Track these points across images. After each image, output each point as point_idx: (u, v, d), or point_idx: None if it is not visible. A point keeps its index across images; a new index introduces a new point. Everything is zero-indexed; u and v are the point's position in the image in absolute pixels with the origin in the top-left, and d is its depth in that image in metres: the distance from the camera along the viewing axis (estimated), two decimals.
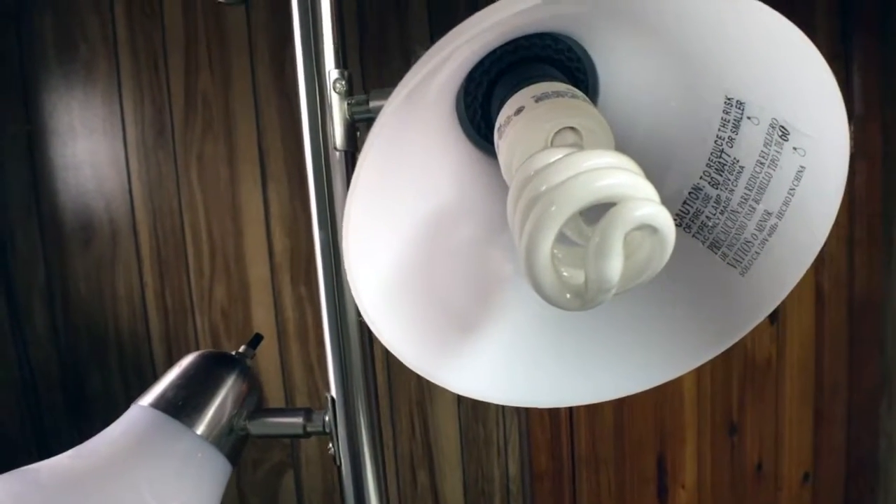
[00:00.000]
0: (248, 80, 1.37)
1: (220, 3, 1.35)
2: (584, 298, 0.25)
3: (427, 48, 0.24)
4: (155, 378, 1.41)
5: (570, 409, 1.46)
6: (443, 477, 1.49)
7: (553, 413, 1.46)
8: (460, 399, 1.45)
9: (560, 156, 0.26)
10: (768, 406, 1.48)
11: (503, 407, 1.45)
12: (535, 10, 0.23)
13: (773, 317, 1.43)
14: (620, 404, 1.47)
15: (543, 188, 0.25)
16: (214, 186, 1.40)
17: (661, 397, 1.48)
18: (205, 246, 1.42)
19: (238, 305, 1.43)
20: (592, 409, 1.48)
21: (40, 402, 1.47)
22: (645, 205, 0.24)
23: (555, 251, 0.25)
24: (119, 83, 1.38)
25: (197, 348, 1.43)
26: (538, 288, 0.25)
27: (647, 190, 0.25)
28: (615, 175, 0.24)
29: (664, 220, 0.24)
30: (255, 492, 1.49)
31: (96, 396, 1.46)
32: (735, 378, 1.45)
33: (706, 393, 1.47)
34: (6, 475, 0.37)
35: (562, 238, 0.26)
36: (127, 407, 1.37)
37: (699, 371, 1.45)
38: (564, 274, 0.25)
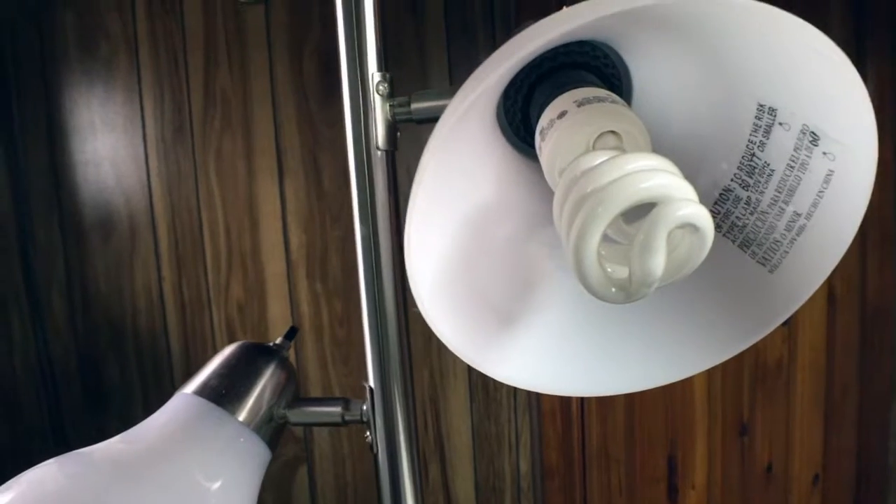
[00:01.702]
0: (267, 78, 1.38)
1: (240, 1, 1.36)
2: (627, 292, 0.27)
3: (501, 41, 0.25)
4: (171, 373, 1.43)
5: (582, 407, 1.47)
6: (454, 472, 1.50)
7: (564, 411, 1.47)
8: (472, 396, 1.46)
9: (604, 158, 0.28)
10: (779, 408, 1.48)
11: (515, 404, 1.46)
12: (584, 23, 0.25)
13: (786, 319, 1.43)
14: (631, 404, 1.48)
15: (590, 189, 0.26)
16: (232, 182, 1.42)
17: (672, 397, 1.48)
18: (222, 241, 1.43)
19: (254, 300, 1.45)
20: (604, 408, 1.49)
21: (59, 393, 1.50)
22: (687, 205, 0.25)
23: (599, 248, 0.27)
24: (139, 80, 1.40)
25: (213, 343, 1.45)
26: (586, 282, 0.27)
27: (688, 191, 0.26)
28: (658, 177, 0.26)
29: (705, 220, 0.26)
30: (269, 486, 1.50)
31: (114, 389, 1.48)
32: (746, 379, 1.46)
33: (717, 393, 1.47)
34: (60, 457, 0.39)
35: (604, 236, 0.27)
36: (143, 403, 1.39)
37: (710, 371, 1.46)
38: (609, 269, 0.27)
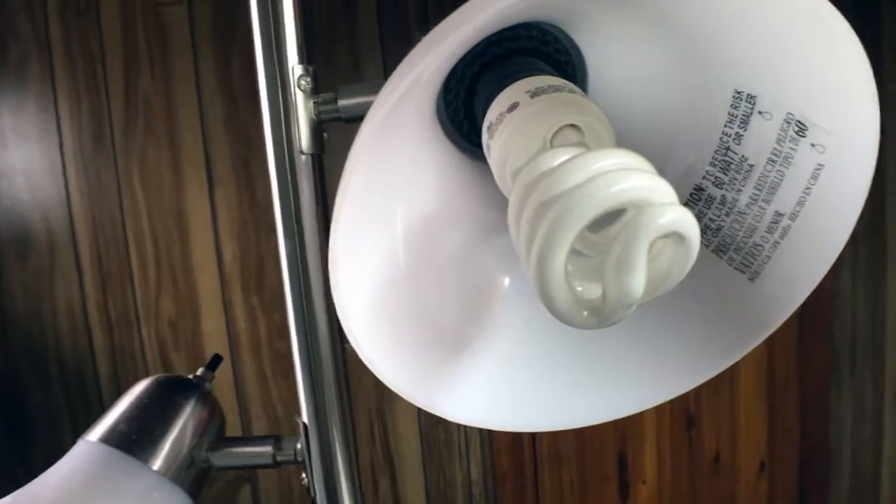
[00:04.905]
0: (192, 81, 1.33)
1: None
2: (601, 315, 0.22)
3: (425, 32, 0.21)
4: (100, 395, 1.35)
5: None
6: (405, 484, 1.48)
7: None
8: None
9: (566, 157, 0.23)
10: (724, 398, 1.52)
11: None
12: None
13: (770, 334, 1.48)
14: None
15: (552, 195, 0.22)
16: (158, 193, 1.36)
17: None
18: (150, 255, 1.37)
19: (187, 316, 1.39)
20: None
21: None
22: (669, 210, 0.21)
23: (566, 264, 0.22)
24: (54, 87, 1.33)
25: (144, 362, 1.39)
26: (552, 306, 0.22)
27: (668, 192, 0.22)
28: (633, 177, 0.22)
29: (690, 226, 0.22)
30: None
31: (38, 416, 1.41)
32: None
33: None
34: None
35: (571, 250, 0.23)
36: (71, 428, 1.29)
37: None
38: (578, 289, 0.23)
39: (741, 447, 1.55)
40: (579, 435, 1.51)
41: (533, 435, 1.48)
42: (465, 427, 1.45)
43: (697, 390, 1.47)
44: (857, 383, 1.51)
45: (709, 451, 1.55)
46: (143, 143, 1.34)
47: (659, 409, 1.50)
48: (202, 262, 1.38)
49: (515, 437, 1.47)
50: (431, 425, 1.45)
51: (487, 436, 1.45)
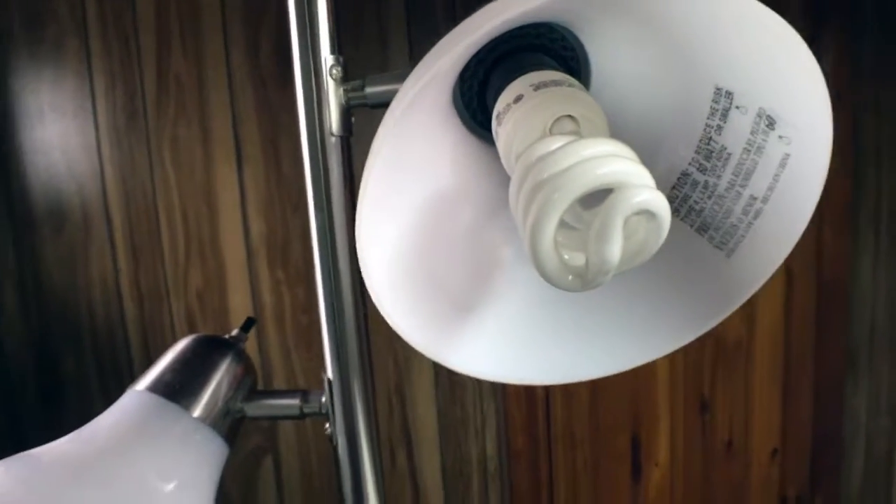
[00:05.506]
0: (223, 62, 1.35)
1: None
2: (584, 279, 0.26)
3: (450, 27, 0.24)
4: (130, 364, 1.40)
5: (547, 389, 1.48)
6: (421, 458, 1.50)
7: (529, 394, 1.48)
8: (437, 382, 1.46)
9: (561, 144, 0.27)
10: (738, 385, 1.51)
11: (480, 388, 1.46)
12: (541, 4, 0.24)
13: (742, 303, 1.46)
14: (595, 384, 1.49)
15: (546, 175, 0.26)
16: (189, 170, 1.39)
17: (635, 377, 1.50)
18: (179, 230, 1.40)
19: (214, 290, 1.42)
20: (568, 390, 1.50)
21: (14, 388, 1.46)
22: (643, 191, 0.25)
23: (556, 235, 0.26)
24: (89, 64, 1.36)
25: (172, 333, 1.43)
26: (542, 270, 0.26)
27: (646, 177, 0.26)
28: (615, 163, 0.26)
29: (661, 206, 0.26)
30: (234, 477, 1.49)
31: (71, 383, 1.45)
32: (707, 357, 1.48)
33: (679, 372, 1.49)
34: (8, 460, 0.38)
35: (561, 222, 0.27)
36: (102, 395, 1.36)
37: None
38: (565, 257, 0.27)
39: (754, 433, 1.54)
40: (593, 415, 1.51)
41: (547, 414, 1.50)
42: (482, 406, 1.48)
43: (712, 375, 1.48)
44: (873, 374, 1.50)
45: (721, 436, 1.54)
46: (174, 122, 1.37)
47: (673, 393, 1.51)
48: (230, 238, 1.41)
49: (530, 416, 1.48)
50: (448, 404, 1.47)
51: (503, 414, 1.47)
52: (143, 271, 1.42)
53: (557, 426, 1.51)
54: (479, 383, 1.46)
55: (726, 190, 0.33)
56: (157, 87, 1.37)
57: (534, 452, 1.51)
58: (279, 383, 1.46)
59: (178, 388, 0.43)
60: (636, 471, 1.55)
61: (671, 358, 1.46)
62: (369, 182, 0.26)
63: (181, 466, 0.40)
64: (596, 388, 1.49)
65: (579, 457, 1.53)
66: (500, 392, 1.47)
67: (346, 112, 0.40)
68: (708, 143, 0.33)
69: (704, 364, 1.48)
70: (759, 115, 0.30)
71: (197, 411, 0.43)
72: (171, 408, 0.42)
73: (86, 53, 1.36)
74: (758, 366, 1.50)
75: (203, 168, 1.39)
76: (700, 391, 1.51)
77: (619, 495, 1.55)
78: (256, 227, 1.40)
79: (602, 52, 0.36)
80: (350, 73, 0.41)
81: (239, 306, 1.43)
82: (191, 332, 1.42)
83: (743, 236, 0.33)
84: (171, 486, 0.38)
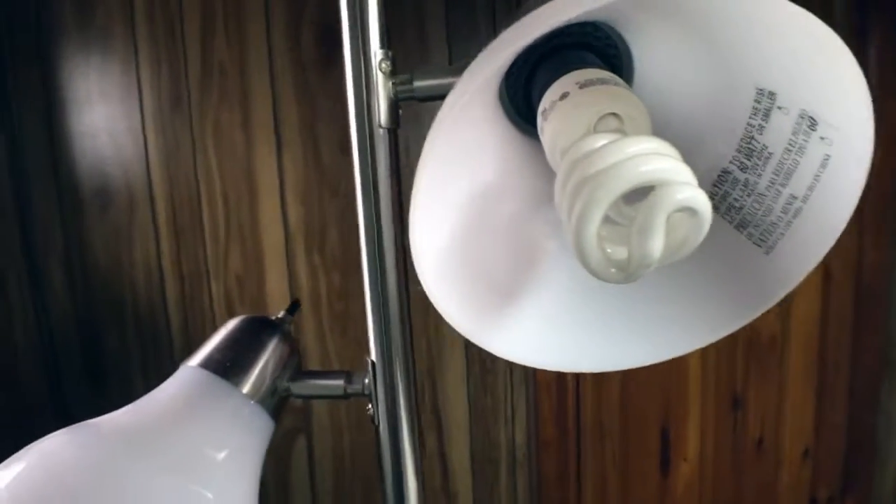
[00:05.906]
0: (264, 48, 1.37)
1: None
2: (626, 272, 0.28)
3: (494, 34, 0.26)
4: (171, 344, 1.43)
5: (577, 380, 1.48)
6: (451, 443, 1.52)
7: (560, 384, 1.48)
8: (469, 370, 1.48)
9: (606, 141, 0.28)
10: (771, 382, 1.49)
11: (511, 377, 1.47)
12: (597, 6, 0.25)
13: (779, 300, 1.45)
14: (626, 377, 1.49)
15: (591, 172, 0.27)
16: (230, 154, 1.41)
17: (666, 371, 1.50)
18: (220, 213, 1.43)
19: (252, 272, 1.45)
20: (598, 382, 1.50)
21: (59, 364, 1.51)
22: (685, 189, 0.26)
23: (600, 230, 0.27)
24: (136, 50, 1.39)
25: (212, 315, 1.46)
26: (586, 263, 0.27)
27: (687, 175, 0.27)
28: (658, 160, 0.27)
29: (703, 203, 0.27)
30: (269, 455, 1.51)
31: (113, 361, 1.50)
32: (740, 354, 1.47)
33: (711, 368, 1.49)
34: (70, 428, 0.40)
35: (604, 217, 0.28)
36: (142, 374, 1.39)
37: (704, 346, 1.46)
38: (608, 250, 0.28)
39: (786, 432, 1.52)
40: (623, 409, 1.51)
41: (577, 405, 1.50)
42: (512, 394, 1.48)
43: (745, 372, 1.47)
44: None
45: (753, 434, 1.53)
46: (217, 107, 1.39)
47: (704, 389, 1.50)
48: (269, 222, 1.43)
49: (560, 407, 1.49)
50: (479, 392, 1.48)
51: (533, 404, 1.48)
52: (185, 253, 1.45)
53: (587, 417, 1.51)
54: (510, 372, 1.47)
55: (766, 188, 0.34)
56: (202, 72, 1.39)
57: (563, 442, 1.51)
58: (314, 366, 1.49)
59: (228, 365, 0.45)
60: (665, 465, 1.54)
61: (703, 353, 1.45)
62: (424, 173, 0.28)
63: (231, 438, 0.42)
64: (626, 381, 1.49)
65: (608, 448, 1.53)
66: (531, 381, 1.48)
67: (395, 105, 0.42)
68: (749, 143, 0.34)
69: (737, 359, 1.48)
70: (801, 116, 0.31)
71: (246, 388, 0.45)
72: (223, 384, 0.44)
73: (132, 39, 1.39)
74: (792, 365, 1.48)
75: (244, 152, 1.41)
76: (732, 388, 1.50)
77: (648, 489, 1.55)
78: (294, 211, 1.43)
79: (646, 50, 0.37)
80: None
81: (276, 290, 1.46)
82: (229, 313, 1.45)
83: (782, 234, 0.34)
84: (222, 455, 0.40)
